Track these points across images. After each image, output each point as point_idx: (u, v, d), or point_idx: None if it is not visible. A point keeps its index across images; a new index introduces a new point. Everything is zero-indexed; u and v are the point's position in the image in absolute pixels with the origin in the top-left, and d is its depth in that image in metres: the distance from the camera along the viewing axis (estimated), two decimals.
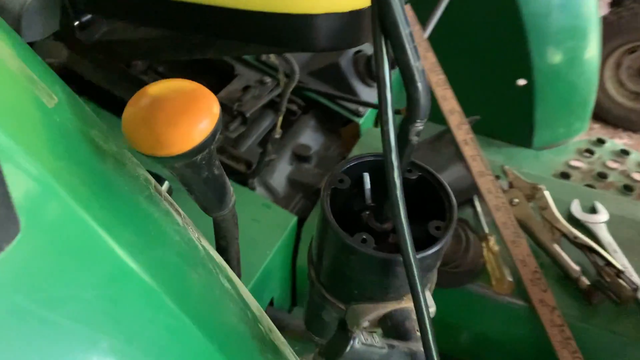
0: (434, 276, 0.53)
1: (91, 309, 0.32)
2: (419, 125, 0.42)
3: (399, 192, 0.41)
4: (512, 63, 1.55)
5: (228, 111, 1.20)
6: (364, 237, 0.47)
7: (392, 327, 0.50)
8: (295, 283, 1.18)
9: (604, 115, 3.10)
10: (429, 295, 0.52)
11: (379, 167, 0.54)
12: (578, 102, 1.63)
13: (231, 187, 0.52)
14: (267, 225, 1.06)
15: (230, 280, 0.50)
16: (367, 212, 0.55)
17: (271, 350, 0.50)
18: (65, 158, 0.36)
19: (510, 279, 0.98)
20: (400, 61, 0.39)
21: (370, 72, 1.33)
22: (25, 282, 0.30)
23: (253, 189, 1.16)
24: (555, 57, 1.55)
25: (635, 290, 0.96)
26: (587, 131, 1.71)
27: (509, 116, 1.61)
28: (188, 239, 0.46)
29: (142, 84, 1.21)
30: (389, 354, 0.44)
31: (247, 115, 1.19)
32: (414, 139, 0.43)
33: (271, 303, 1.13)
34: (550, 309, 0.95)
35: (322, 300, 0.54)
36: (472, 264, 1.01)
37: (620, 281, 0.96)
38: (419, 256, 0.45)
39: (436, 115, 1.33)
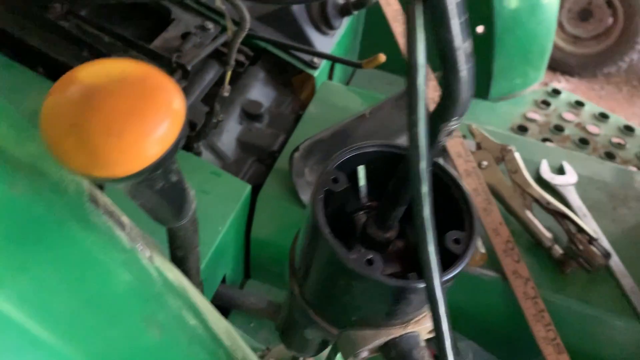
0: None
1: None
2: (454, 124, 0.31)
3: (428, 213, 0.31)
4: (473, 8, 1.45)
5: (166, 63, 1.04)
6: (370, 256, 0.37)
7: (398, 358, 0.41)
8: (248, 256, 1.08)
9: None
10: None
11: (377, 159, 0.44)
12: (536, 50, 1.57)
13: (191, 190, 0.40)
14: (218, 197, 0.95)
15: (194, 310, 0.39)
16: (361, 213, 0.45)
17: None
18: None
19: (482, 250, 0.92)
20: (440, 38, 0.28)
21: (326, 19, 1.19)
22: None
23: (198, 154, 1.03)
24: (516, 1, 1.47)
25: (606, 257, 0.93)
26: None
27: None
28: (138, 271, 0.34)
29: (62, 31, 1.03)
30: None
31: (189, 67, 1.03)
32: (444, 140, 0.33)
33: (223, 280, 1.03)
34: (524, 281, 0.91)
35: (308, 322, 0.45)
36: None
37: (592, 248, 0.92)
38: (443, 279, 0.35)
39: (402, 68, 1.23)
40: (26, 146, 0.33)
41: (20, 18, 0.99)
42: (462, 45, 0.28)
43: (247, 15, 0.94)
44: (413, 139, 0.30)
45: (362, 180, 0.44)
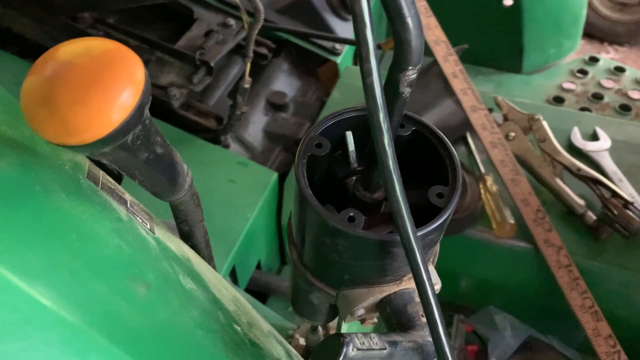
0: (437, 246, 0.45)
1: None
2: (412, 74, 0.32)
3: (392, 163, 0.32)
4: None
5: (190, 61, 1.08)
6: (352, 214, 0.38)
7: (392, 314, 0.42)
8: (282, 242, 1.10)
9: (588, 29, 2.94)
10: (433, 271, 0.44)
11: (364, 123, 0.45)
12: (568, 19, 1.52)
13: (184, 164, 0.42)
14: (246, 186, 0.97)
15: (194, 276, 0.42)
16: (354, 178, 0.46)
17: (250, 353, 0.42)
18: None
19: (512, 221, 0.91)
20: None
21: (344, 4, 1.20)
22: None
23: (227, 146, 1.06)
24: None
25: None
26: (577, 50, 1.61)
27: (497, 41, 1.50)
28: (132, 238, 0.37)
29: None
30: (390, 353, 0.37)
31: (212, 64, 1.07)
32: (406, 90, 0.33)
33: (258, 266, 1.05)
34: (556, 250, 0.89)
35: (309, 286, 0.46)
36: (471, 208, 0.93)
37: (629, 212, 0.89)
38: (420, 233, 0.36)
39: (428, 49, 1.22)
40: (20, 129, 0.36)
41: (50, 29, 1.05)
42: None
43: (261, 6, 0.97)
44: (369, 89, 0.31)
45: (350, 146, 0.44)
